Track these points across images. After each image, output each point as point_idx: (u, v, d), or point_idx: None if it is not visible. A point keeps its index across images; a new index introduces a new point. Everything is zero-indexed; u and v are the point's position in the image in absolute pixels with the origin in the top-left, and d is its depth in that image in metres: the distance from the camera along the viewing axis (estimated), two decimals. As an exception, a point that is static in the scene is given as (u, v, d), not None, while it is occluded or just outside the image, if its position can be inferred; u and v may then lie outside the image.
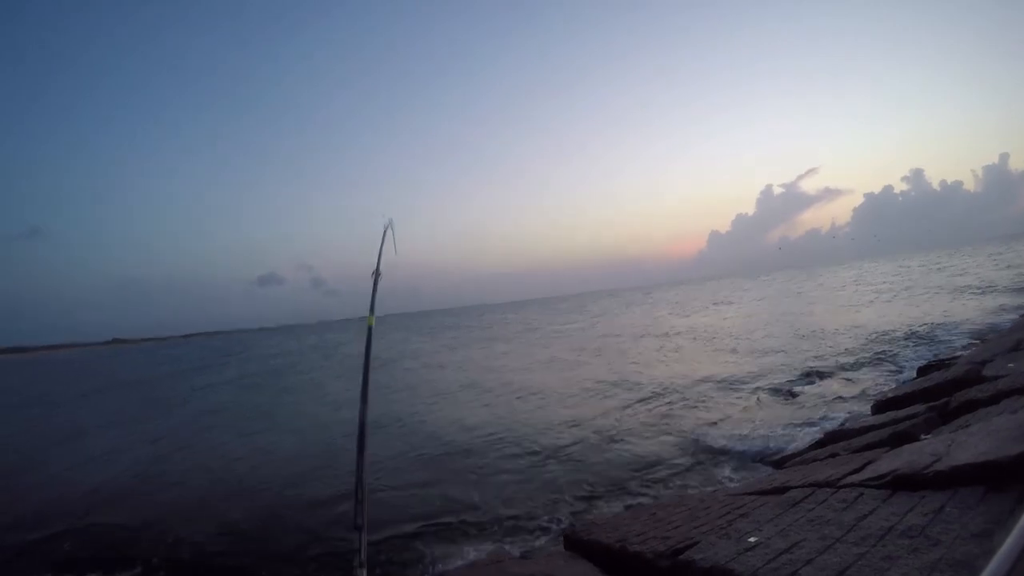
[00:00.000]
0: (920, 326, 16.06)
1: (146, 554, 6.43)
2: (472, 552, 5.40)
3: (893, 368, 11.08)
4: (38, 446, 13.91)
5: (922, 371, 9.32)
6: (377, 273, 3.04)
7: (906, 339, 14.24)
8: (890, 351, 12.95)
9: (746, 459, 7.08)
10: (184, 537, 6.93)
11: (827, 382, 10.86)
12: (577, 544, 4.29)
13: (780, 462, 6.32)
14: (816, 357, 13.58)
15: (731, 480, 6.38)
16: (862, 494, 3.25)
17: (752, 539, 3.04)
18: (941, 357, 10.57)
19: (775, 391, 10.69)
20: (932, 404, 5.65)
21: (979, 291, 22.96)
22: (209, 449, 12.07)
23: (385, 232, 3.32)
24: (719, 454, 7.48)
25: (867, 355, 12.80)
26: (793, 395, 10.16)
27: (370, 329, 2.59)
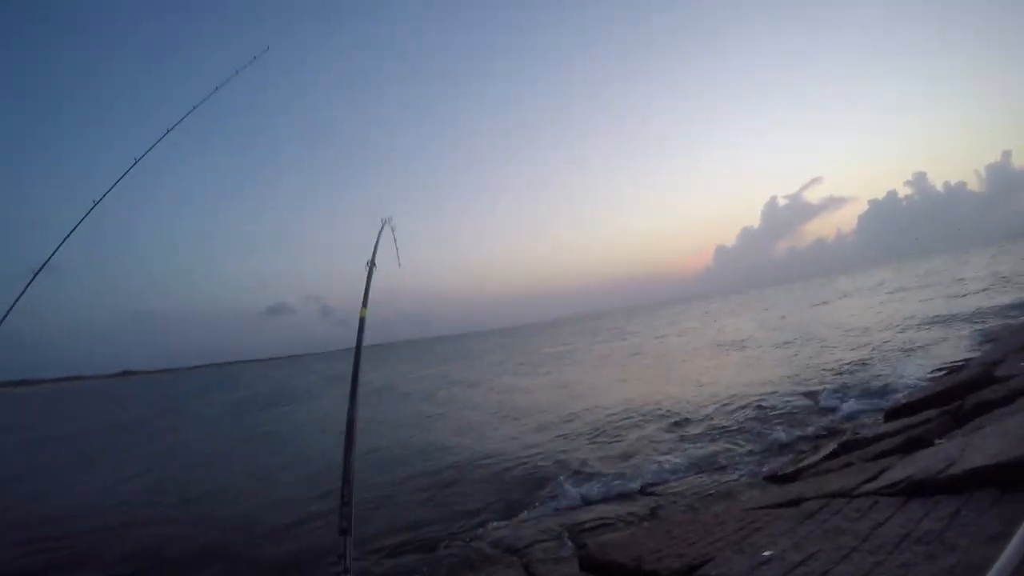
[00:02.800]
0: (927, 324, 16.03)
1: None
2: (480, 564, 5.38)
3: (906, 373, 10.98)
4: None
5: (934, 375, 9.27)
6: (372, 264, 3.09)
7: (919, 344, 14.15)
8: (901, 356, 12.87)
9: (760, 473, 7.01)
10: (171, 543, 7.08)
11: (842, 392, 10.77)
12: (592, 565, 4.24)
13: (794, 474, 6.25)
14: (831, 367, 13.49)
15: (746, 494, 6.31)
16: (877, 502, 3.21)
17: (767, 553, 3.00)
18: (953, 361, 10.47)
19: (795, 403, 10.61)
20: (945, 408, 5.60)
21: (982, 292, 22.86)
22: (196, 468, 12.24)
23: (382, 228, 3.38)
24: (733, 469, 7.42)
25: (882, 363, 12.71)
26: (810, 405, 10.07)
27: (362, 320, 2.60)
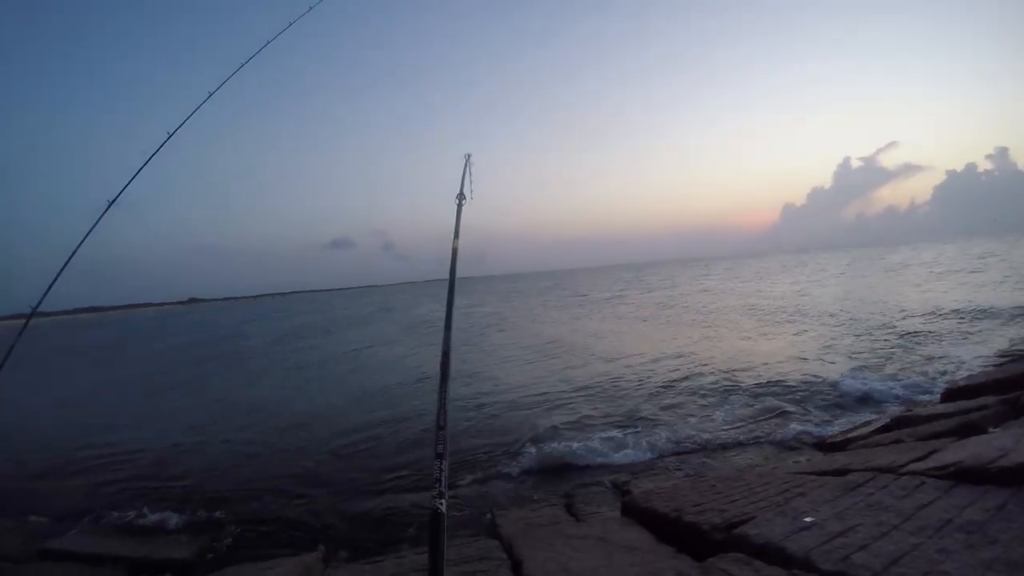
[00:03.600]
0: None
1: (225, 495, 6.99)
2: (527, 511, 5.67)
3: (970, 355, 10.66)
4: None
5: (998, 360, 9.00)
6: (461, 196, 3.24)
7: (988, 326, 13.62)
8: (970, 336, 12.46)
9: (810, 438, 7.07)
10: (266, 466, 7.55)
11: (904, 362, 10.58)
12: (634, 511, 4.41)
13: (843, 444, 6.29)
14: (899, 336, 13.20)
15: (792, 458, 6.40)
16: (923, 483, 3.25)
17: (808, 519, 3.09)
18: (1019, 347, 10.11)
19: (852, 370, 10.52)
20: (1005, 396, 5.48)
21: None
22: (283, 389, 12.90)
23: (467, 162, 3.57)
24: (784, 431, 7.49)
25: (946, 337, 12.36)
26: (867, 378, 9.96)
27: (455, 251, 2.74)
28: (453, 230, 2.98)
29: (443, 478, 1.55)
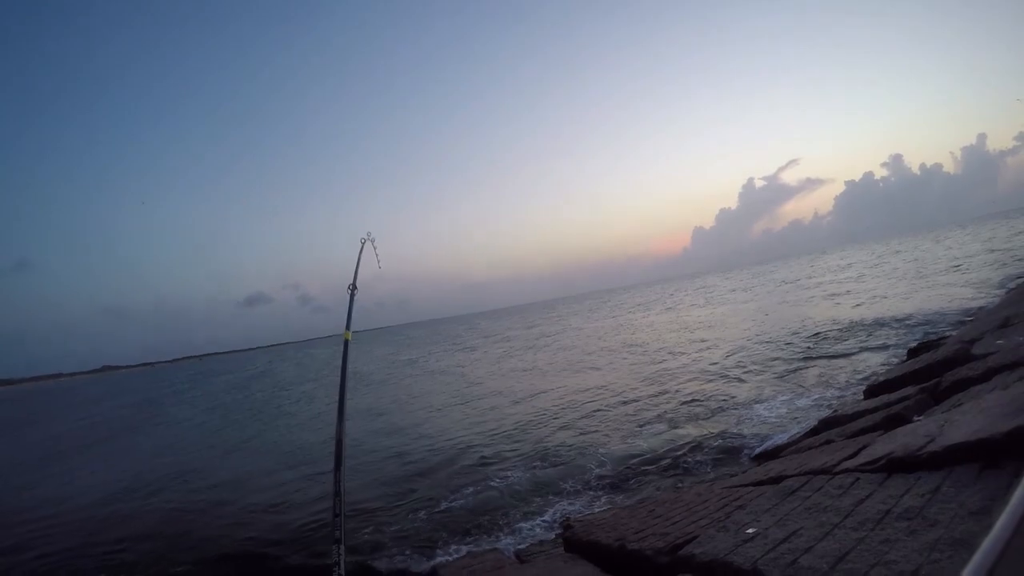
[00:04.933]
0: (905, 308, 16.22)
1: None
2: (468, 556, 5.38)
3: (883, 351, 11.11)
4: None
5: (912, 353, 9.38)
6: (353, 287, 3.10)
7: (895, 321, 14.31)
8: (878, 334, 13.02)
9: (742, 451, 7.08)
10: (154, 552, 6.94)
11: (820, 369, 10.90)
12: (576, 545, 4.28)
13: (775, 452, 6.32)
14: (808, 344, 13.64)
15: (727, 473, 6.37)
16: (858, 479, 3.23)
17: (750, 530, 3.01)
18: (930, 337, 10.63)
19: (771, 378, 10.75)
20: (923, 385, 5.66)
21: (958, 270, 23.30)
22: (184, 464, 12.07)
23: (363, 247, 3.39)
24: (715, 446, 7.48)
25: (857, 340, 12.87)
26: (787, 383, 10.19)
27: (346, 343, 2.59)
28: (345, 320, 2.85)
29: (341, 562, 1.55)
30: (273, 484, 9.25)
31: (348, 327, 2.74)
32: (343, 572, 1.50)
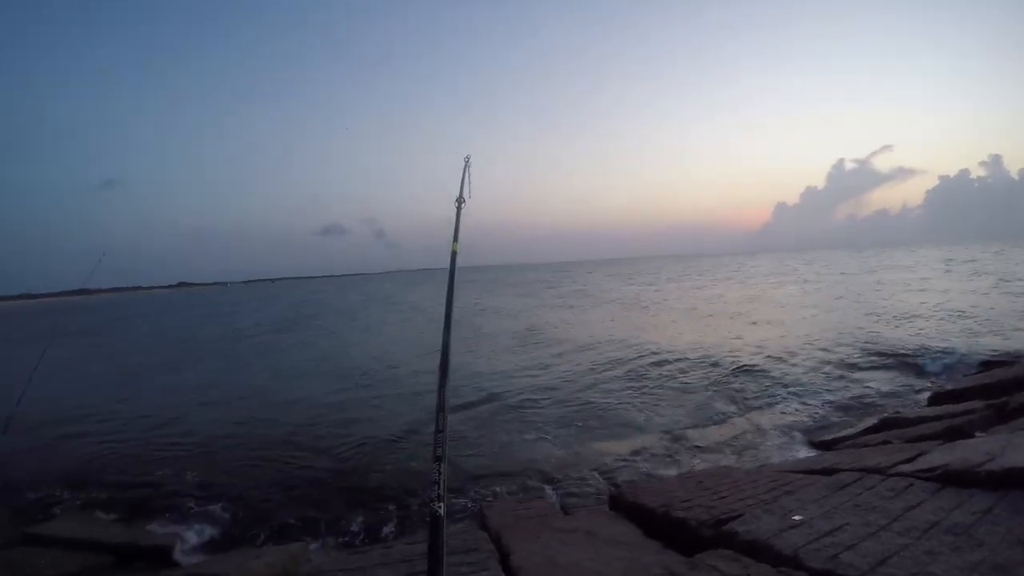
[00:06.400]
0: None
1: (210, 482, 6.89)
2: (514, 500, 5.67)
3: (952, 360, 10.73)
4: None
5: (984, 366, 9.07)
6: (461, 200, 3.26)
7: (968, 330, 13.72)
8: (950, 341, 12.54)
9: (798, 436, 7.10)
10: (257, 467, 7.39)
11: (891, 366, 10.64)
12: (622, 505, 4.43)
13: (831, 443, 6.33)
14: (882, 340, 13.25)
15: (780, 456, 6.43)
16: (911, 484, 3.28)
17: (796, 517, 3.11)
18: (1005, 353, 10.19)
19: (836, 369, 10.59)
20: (990, 402, 5.54)
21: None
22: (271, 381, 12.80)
23: (466, 165, 3.58)
24: (771, 429, 7.52)
25: (934, 342, 12.42)
26: (855, 377, 10.01)
27: (454, 255, 2.74)
28: (453, 232, 2.99)
29: (442, 481, 1.51)
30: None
31: (456, 239, 2.89)
32: (443, 491, 1.48)
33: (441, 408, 1.76)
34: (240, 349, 20.97)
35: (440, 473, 1.52)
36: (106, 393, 13.02)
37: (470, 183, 3.51)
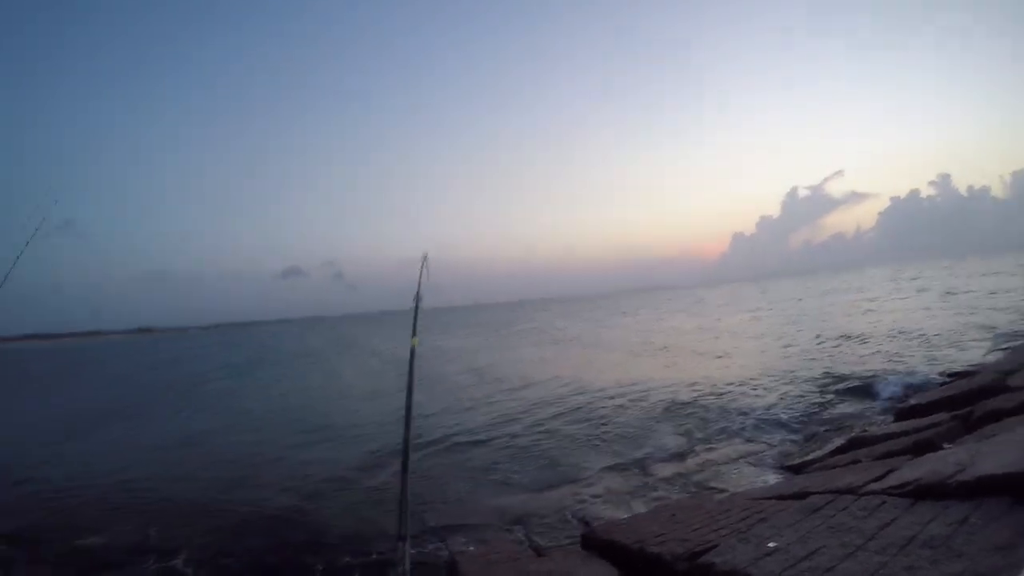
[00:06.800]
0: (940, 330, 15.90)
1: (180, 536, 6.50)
2: (484, 545, 5.46)
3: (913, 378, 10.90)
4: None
5: (949, 378, 9.21)
6: (418, 298, 3.36)
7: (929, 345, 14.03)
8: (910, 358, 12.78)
9: (766, 463, 7.05)
10: (216, 517, 7.01)
11: (851, 388, 10.74)
12: (594, 543, 4.31)
13: (799, 467, 6.29)
14: (838, 362, 13.43)
15: (750, 483, 6.35)
16: (884, 502, 3.24)
17: (772, 544, 3.04)
18: (966, 364, 10.41)
19: (797, 394, 10.64)
20: (955, 413, 5.59)
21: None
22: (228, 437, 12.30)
23: (423, 264, 3.62)
24: (737, 457, 7.46)
25: (891, 361, 12.63)
26: (816, 401, 10.06)
27: (413, 350, 2.74)
28: (412, 322, 3.10)
29: (406, 558, 1.51)
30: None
31: (414, 334, 2.95)
32: (407, 568, 1.48)
33: (404, 490, 1.81)
34: (198, 394, 20.23)
35: (405, 552, 1.53)
36: (59, 442, 12.35)
37: (428, 274, 3.59)
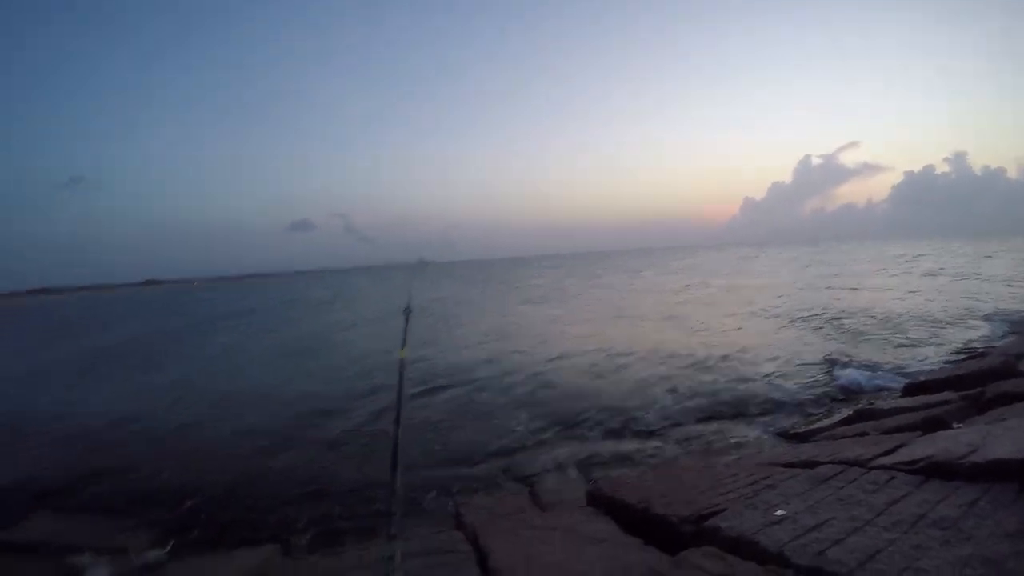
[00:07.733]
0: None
1: (183, 482, 6.64)
2: (489, 496, 5.57)
3: (927, 349, 10.89)
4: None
5: (959, 355, 9.22)
6: (408, 310, 3.34)
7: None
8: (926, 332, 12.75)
9: (772, 429, 7.11)
10: (227, 466, 7.14)
11: (864, 357, 10.74)
12: (600, 500, 4.36)
13: (806, 435, 6.34)
14: (853, 331, 13.43)
15: (756, 449, 6.41)
16: (894, 477, 3.25)
17: (779, 512, 3.06)
18: (975, 345, 10.39)
19: (802, 362, 10.67)
20: (965, 393, 5.59)
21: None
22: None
23: (419, 268, 3.60)
24: (743, 421, 7.53)
25: (907, 334, 12.62)
26: (823, 371, 10.09)
27: (402, 361, 2.71)
28: (402, 339, 2.98)
29: (397, 556, 1.54)
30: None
31: (404, 345, 2.88)
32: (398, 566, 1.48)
33: (394, 480, 1.84)
34: (208, 346, 20.57)
35: (396, 550, 1.55)
36: (70, 392, 12.66)
37: (425, 272, 3.54)
